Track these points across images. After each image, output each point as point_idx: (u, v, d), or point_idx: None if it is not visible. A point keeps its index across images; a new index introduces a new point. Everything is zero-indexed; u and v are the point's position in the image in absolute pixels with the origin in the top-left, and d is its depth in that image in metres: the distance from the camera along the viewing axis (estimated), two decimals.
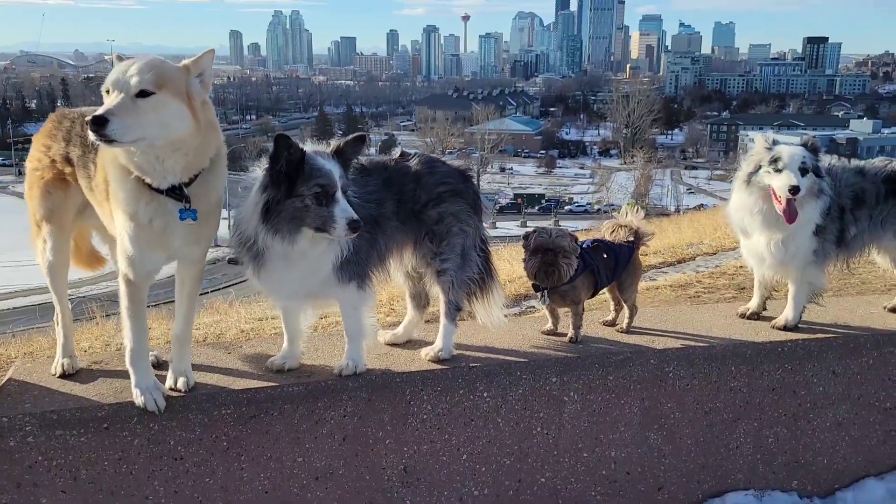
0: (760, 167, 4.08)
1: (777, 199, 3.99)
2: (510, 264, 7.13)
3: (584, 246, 4.06)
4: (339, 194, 3.11)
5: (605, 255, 4.12)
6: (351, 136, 3.37)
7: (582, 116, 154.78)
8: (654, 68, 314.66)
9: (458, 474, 3.85)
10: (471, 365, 3.81)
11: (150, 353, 3.47)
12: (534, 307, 6.61)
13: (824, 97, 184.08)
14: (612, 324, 4.39)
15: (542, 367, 3.88)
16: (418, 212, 3.73)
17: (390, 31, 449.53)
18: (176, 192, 2.99)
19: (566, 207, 74.96)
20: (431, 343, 3.89)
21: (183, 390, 3.36)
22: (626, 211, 4.44)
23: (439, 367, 3.77)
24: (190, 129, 2.90)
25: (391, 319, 5.72)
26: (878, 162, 4.38)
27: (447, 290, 3.81)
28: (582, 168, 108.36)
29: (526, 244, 3.95)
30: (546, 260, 3.85)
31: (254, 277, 3.37)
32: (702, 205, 53.11)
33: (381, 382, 3.64)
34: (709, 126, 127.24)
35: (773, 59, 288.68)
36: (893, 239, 4.40)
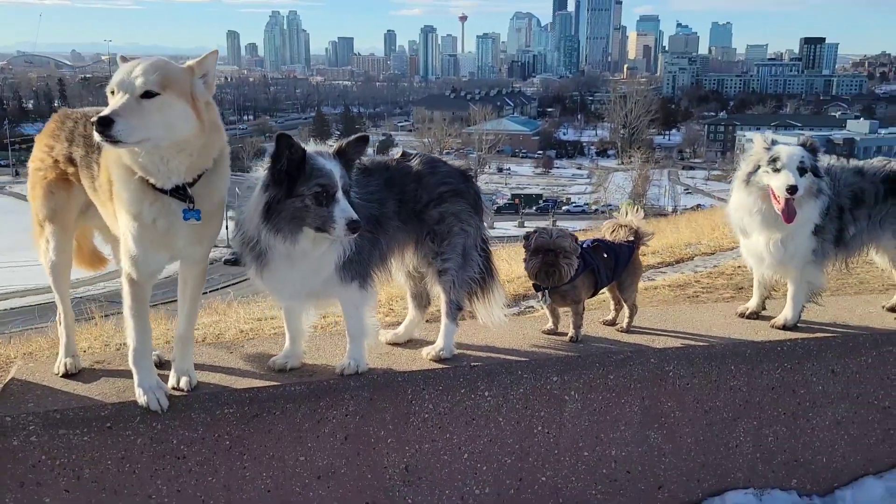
0: (759, 167, 4.10)
1: (776, 198, 4.01)
2: (508, 264, 7.14)
3: (584, 245, 4.08)
4: (339, 194, 3.11)
5: (606, 255, 4.14)
6: (353, 137, 3.38)
7: (579, 117, 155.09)
8: (652, 69, 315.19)
9: (459, 473, 3.87)
10: (472, 364, 3.82)
11: (153, 352, 3.48)
12: (532, 307, 6.63)
13: (821, 97, 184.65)
14: (613, 323, 4.41)
15: (542, 367, 3.90)
16: (420, 212, 3.74)
17: (388, 31, 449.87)
18: (180, 193, 3.00)
19: (564, 208, 75.05)
20: (432, 342, 3.90)
21: (185, 389, 3.37)
22: (627, 211, 4.46)
23: (441, 366, 3.79)
24: (194, 130, 2.91)
25: (390, 319, 5.73)
26: (876, 162, 4.41)
27: (448, 289, 3.82)
28: (579, 168, 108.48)
29: (527, 244, 3.96)
30: (547, 260, 3.86)
31: (257, 277, 3.38)
32: (699, 205, 53.17)
33: (383, 382, 3.65)
34: (706, 126, 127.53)
35: (770, 59, 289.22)
36: (892, 238, 4.42)
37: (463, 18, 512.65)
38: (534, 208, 73.71)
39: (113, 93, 2.79)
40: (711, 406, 4.19)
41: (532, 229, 4.05)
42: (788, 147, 4.10)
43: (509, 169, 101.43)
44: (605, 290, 4.31)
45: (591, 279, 4.09)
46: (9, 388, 3.41)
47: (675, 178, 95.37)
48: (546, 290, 4.02)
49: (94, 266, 3.99)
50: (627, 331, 4.29)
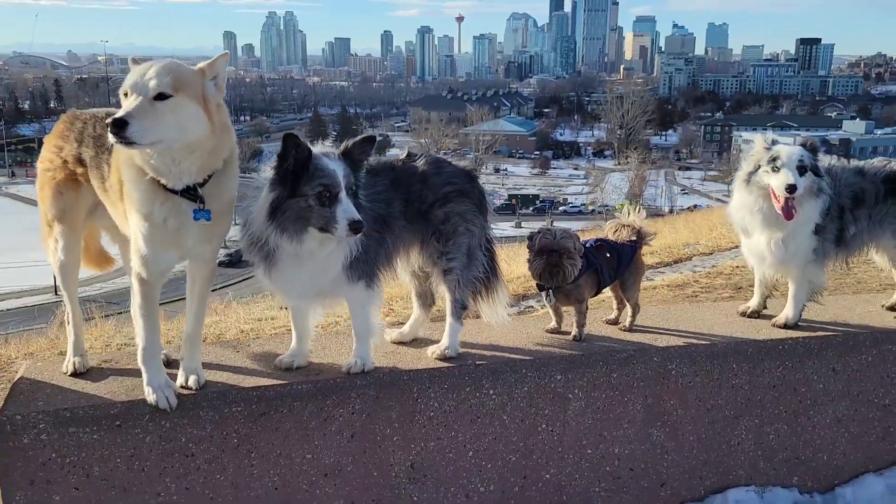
0: (760, 167, 4.14)
1: (776, 197, 4.05)
2: (507, 264, 7.18)
3: (587, 245, 4.11)
4: (342, 195, 3.13)
5: (609, 255, 4.17)
6: (359, 137, 3.40)
7: (576, 117, 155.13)
8: (648, 69, 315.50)
9: (464, 471, 3.89)
10: (477, 363, 3.85)
11: (161, 351, 3.50)
12: (531, 307, 6.67)
13: (817, 98, 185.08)
14: (615, 322, 4.45)
15: (546, 365, 3.93)
16: (425, 211, 3.77)
17: (384, 32, 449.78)
18: (190, 193, 3.03)
19: (560, 208, 75.13)
20: (437, 341, 3.93)
21: (194, 388, 3.39)
22: (629, 211, 4.49)
23: (446, 364, 3.81)
24: (205, 131, 2.94)
25: (391, 319, 5.76)
26: (877, 162, 4.45)
27: (453, 288, 3.85)
28: (576, 169, 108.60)
29: (531, 245, 3.99)
30: (550, 261, 3.89)
31: (265, 277, 3.39)
32: (696, 205, 53.19)
33: (389, 380, 3.68)
34: (702, 127, 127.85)
35: (766, 60, 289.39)
36: (892, 238, 4.46)
37: (459, 19, 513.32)
38: (530, 209, 73.78)
39: (126, 95, 2.82)
40: (713, 404, 4.22)
41: (536, 230, 4.08)
42: (788, 147, 4.14)
43: (506, 169, 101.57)
44: (607, 289, 4.34)
45: (595, 279, 4.12)
46: (18, 387, 3.43)
47: (671, 178, 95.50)
48: (550, 290, 4.05)
49: (102, 266, 4.02)
50: (630, 330, 4.33)
